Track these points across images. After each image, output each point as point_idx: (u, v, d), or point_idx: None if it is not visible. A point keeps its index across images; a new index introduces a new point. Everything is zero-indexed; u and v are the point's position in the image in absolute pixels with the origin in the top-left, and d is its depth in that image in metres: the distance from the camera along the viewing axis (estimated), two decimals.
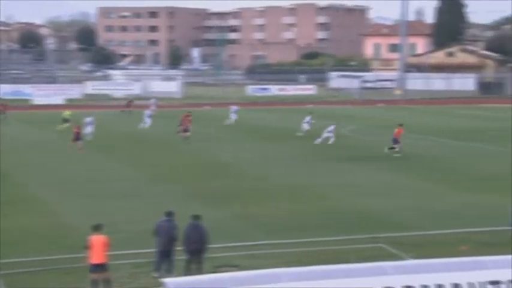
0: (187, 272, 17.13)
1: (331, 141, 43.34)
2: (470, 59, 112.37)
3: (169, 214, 18.07)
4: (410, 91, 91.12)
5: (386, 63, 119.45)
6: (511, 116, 62.83)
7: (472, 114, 66.88)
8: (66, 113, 52.67)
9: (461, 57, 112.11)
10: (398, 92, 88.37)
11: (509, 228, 20.31)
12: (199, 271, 17.03)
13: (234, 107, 57.39)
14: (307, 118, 49.03)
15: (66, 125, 49.18)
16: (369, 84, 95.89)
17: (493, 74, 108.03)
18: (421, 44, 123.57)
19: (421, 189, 29.60)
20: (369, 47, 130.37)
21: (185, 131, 44.93)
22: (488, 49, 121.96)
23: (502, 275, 11.62)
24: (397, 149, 39.20)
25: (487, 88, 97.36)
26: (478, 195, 28.19)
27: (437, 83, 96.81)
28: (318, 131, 45.60)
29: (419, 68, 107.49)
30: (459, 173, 33.56)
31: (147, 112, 53.53)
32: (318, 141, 43.38)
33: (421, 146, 43.43)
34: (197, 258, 17.49)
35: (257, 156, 38.75)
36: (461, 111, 70.22)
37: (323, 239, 21.33)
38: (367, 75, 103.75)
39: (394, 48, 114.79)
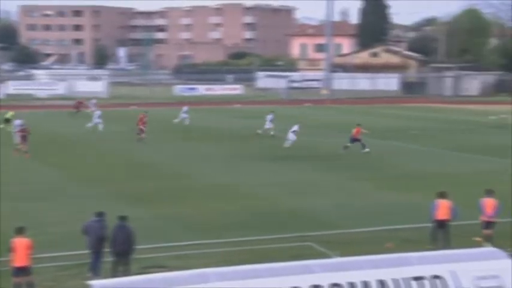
0: (115, 273, 16.94)
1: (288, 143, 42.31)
2: (394, 59, 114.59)
3: (99, 214, 17.88)
4: (336, 91, 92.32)
5: (313, 63, 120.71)
6: (432, 116, 64.40)
7: (396, 114, 68.19)
8: (10, 113, 51.48)
9: (385, 58, 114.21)
10: (324, 92, 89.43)
11: (430, 224, 20.81)
12: (127, 272, 16.86)
13: (185, 107, 57.16)
14: (269, 117, 48.99)
15: (2, 125, 48.33)
16: (295, 84, 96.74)
17: (415, 74, 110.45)
18: (346, 44, 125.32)
19: (348, 187, 30.01)
20: (295, 47, 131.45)
21: (141, 131, 44.65)
22: (410, 50, 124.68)
23: (425, 270, 11.89)
24: (349, 147, 40.19)
25: (409, 88, 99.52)
26: (401, 193, 28.76)
27: (362, 82, 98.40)
28: (252, 131, 45.66)
29: (345, 68, 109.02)
30: (384, 172, 34.18)
31: (97, 113, 52.19)
32: (288, 143, 42.45)
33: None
34: (124, 259, 17.32)
35: (185, 156, 38.61)
36: (385, 111, 71.51)
37: (252, 238, 21.41)
38: (294, 75, 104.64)
39: (320, 48, 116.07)
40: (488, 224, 20.99)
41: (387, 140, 46.72)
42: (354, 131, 41.33)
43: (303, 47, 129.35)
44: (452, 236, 20.87)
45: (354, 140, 40.76)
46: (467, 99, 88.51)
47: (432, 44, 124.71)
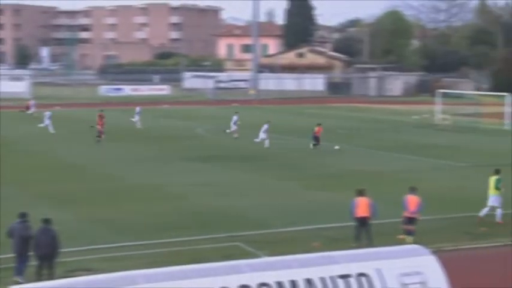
0: (39, 277, 16.67)
1: (266, 143, 43.25)
2: (319, 60, 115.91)
3: (22, 215, 17.57)
4: (263, 91, 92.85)
5: (240, 64, 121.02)
6: (358, 115, 65.45)
7: (322, 114, 69.00)
8: None
9: (310, 58, 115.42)
10: (252, 92, 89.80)
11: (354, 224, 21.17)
12: (51, 276, 16.61)
13: (138, 108, 55.60)
14: (234, 118, 48.93)
15: None
16: (222, 85, 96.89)
17: (340, 74, 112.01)
18: (272, 45, 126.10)
19: (275, 187, 30.26)
20: (222, 48, 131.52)
21: (100, 133, 44.23)
22: (335, 50, 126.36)
23: (350, 269, 12.10)
24: (318, 145, 42.22)
25: (335, 88, 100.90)
26: (327, 192, 29.17)
27: (289, 83, 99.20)
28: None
29: (272, 69, 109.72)
30: (311, 171, 34.58)
31: (47, 114, 51.15)
32: (257, 140, 43.88)
33: (275, 145, 44.35)
34: (48, 263, 17.06)
35: (113, 157, 38.21)
36: (312, 111, 72.28)
37: (181, 239, 21.38)
38: (221, 75, 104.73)
39: (246, 48, 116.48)
40: (411, 220, 21.53)
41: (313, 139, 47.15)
42: (316, 129, 42.95)
43: (230, 47, 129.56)
44: (376, 234, 21.31)
45: (316, 138, 42.57)
46: (390, 99, 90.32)
47: (356, 45, 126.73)
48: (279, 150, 42.24)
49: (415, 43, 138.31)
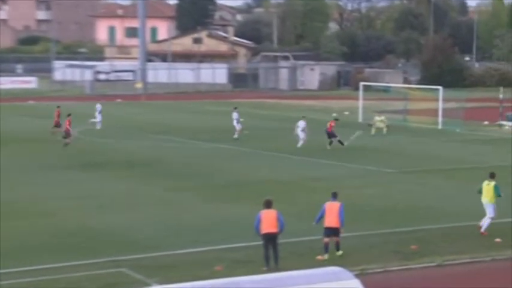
0: None
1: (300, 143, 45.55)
2: (220, 47, 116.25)
3: None
4: (152, 84, 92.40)
5: (124, 51, 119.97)
6: (266, 113, 65.90)
7: (224, 111, 69.14)
8: None
9: (209, 45, 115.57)
10: (139, 86, 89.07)
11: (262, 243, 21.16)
12: None
13: (98, 106, 55.45)
14: (235, 115, 49.46)
15: None
16: (103, 76, 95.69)
17: (245, 64, 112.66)
18: (163, 29, 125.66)
19: (165, 200, 30.09)
20: (102, 31, 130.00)
21: (67, 134, 44.66)
22: (239, 35, 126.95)
23: None
24: (333, 141, 44.93)
25: (239, 80, 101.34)
26: (231, 204, 29.19)
27: (184, 74, 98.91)
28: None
29: (163, 57, 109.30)
30: (211, 180, 34.56)
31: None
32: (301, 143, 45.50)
33: (164, 149, 44.13)
34: None
35: None
36: (212, 107, 72.34)
37: (55, 265, 20.92)
38: (101, 65, 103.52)
39: (132, 32, 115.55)
40: (334, 231, 21.72)
41: (214, 142, 47.27)
42: (328, 125, 45.22)
43: (111, 30, 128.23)
44: (290, 255, 21.44)
45: (330, 134, 45.06)
46: (305, 94, 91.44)
47: (264, 29, 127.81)
48: (169, 154, 42.03)
49: (333, 27, 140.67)
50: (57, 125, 48.64)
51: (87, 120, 54.88)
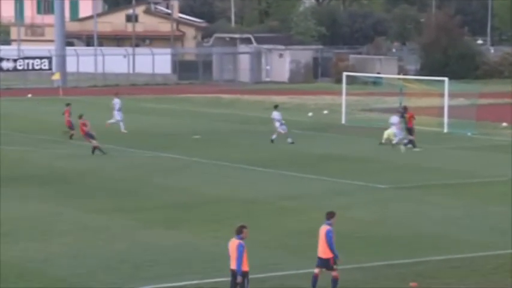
0: None
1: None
2: (162, 27, 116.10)
3: None
4: (73, 74, 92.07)
5: (35, 32, 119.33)
6: (222, 112, 65.83)
7: (168, 110, 68.99)
8: None
9: (148, 24, 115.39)
10: (56, 78, 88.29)
11: (225, 279, 21.13)
12: None
13: (116, 101, 56.57)
14: (276, 115, 50.80)
15: None
16: (8, 65, 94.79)
17: (194, 49, 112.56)
18: (86, 3, 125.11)
19: (91, 225, 29.94)
20: (6, 6, 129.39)
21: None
22: (186, 12, 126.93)
23: None
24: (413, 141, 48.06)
25: (187, 70, 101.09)
26: (174, 231, 29.11)
27: (114, 62, 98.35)
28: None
29: (87, 40, 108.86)
30: (147, 199, 34.42)
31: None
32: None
33: (91, 159, 43.90)
34: None
35: None
36: (151, 105, 72.14)
37: None
38: (6, 49, 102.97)
39: (45, 8, 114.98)
40: (324, 262, 21.76)
41: (156, 150, 47.13)
42: (407, 116, 48.54)
43: (19, 4, 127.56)
44: None
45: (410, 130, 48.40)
46: (272, 87, 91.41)
47: (218, 4, 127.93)
48: (102, 167, 41.84)
49: (308, 1, 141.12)
50: (70, 126, 51.38)
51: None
